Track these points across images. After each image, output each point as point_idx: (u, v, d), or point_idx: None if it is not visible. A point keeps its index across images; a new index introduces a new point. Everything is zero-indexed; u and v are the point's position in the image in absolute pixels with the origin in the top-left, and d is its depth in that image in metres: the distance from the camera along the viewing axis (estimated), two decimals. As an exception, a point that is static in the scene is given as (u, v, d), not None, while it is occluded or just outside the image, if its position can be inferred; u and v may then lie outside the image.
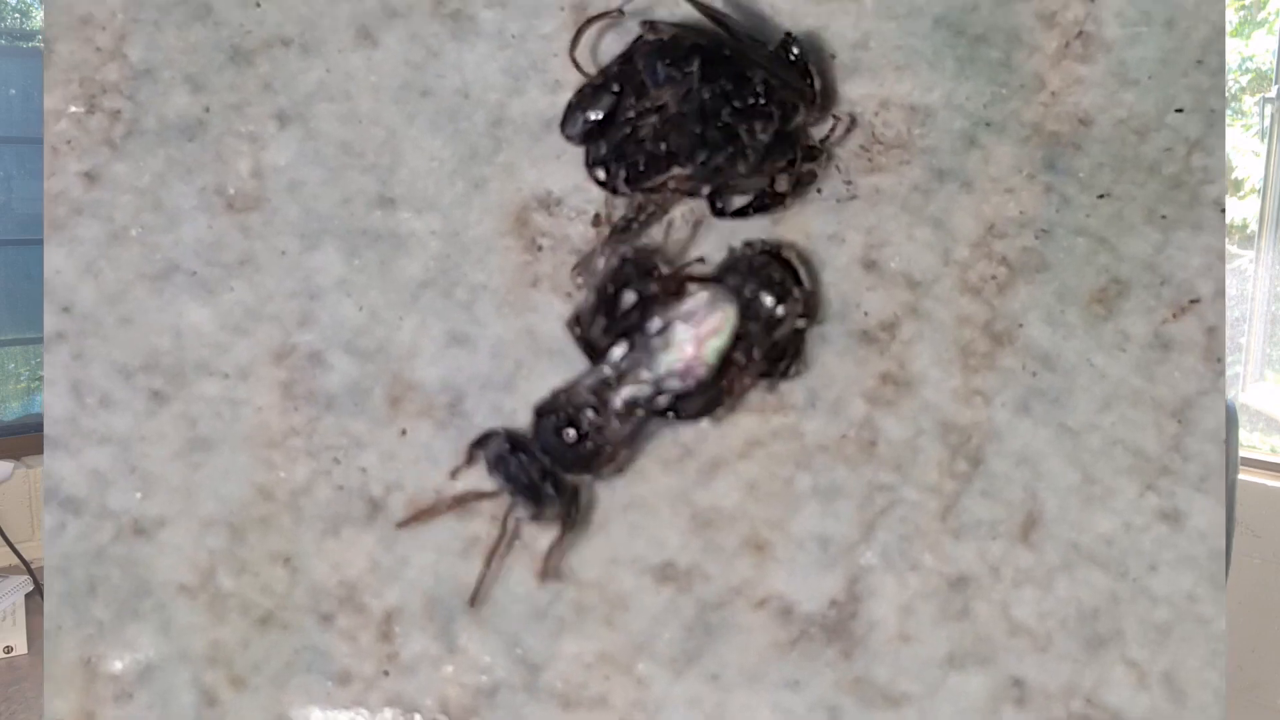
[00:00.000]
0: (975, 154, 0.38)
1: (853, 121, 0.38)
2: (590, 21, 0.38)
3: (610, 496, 0.38)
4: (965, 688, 0.38)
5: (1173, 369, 0.38)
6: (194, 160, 0.39)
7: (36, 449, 1.15)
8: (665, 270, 0.37)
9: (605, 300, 0.36)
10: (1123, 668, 0.38)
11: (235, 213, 0.39)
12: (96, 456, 0.39)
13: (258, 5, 0.39)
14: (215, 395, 0.39)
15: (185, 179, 0.39)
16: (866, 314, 0.38)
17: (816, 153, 0.38)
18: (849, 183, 0.38)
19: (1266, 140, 1.45)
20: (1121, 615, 0.38)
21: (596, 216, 0.38)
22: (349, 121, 0.39)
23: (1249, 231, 1.47)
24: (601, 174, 0.37)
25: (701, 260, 0.38)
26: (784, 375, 0.38)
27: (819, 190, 0.38)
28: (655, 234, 0.38)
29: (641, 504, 0.38)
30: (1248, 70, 1.50)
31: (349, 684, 0.38)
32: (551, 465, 0.36)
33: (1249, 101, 1.50)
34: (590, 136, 0.37)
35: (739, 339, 0.36)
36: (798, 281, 0.37)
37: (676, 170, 0.36)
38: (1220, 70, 0.38)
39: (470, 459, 0.38)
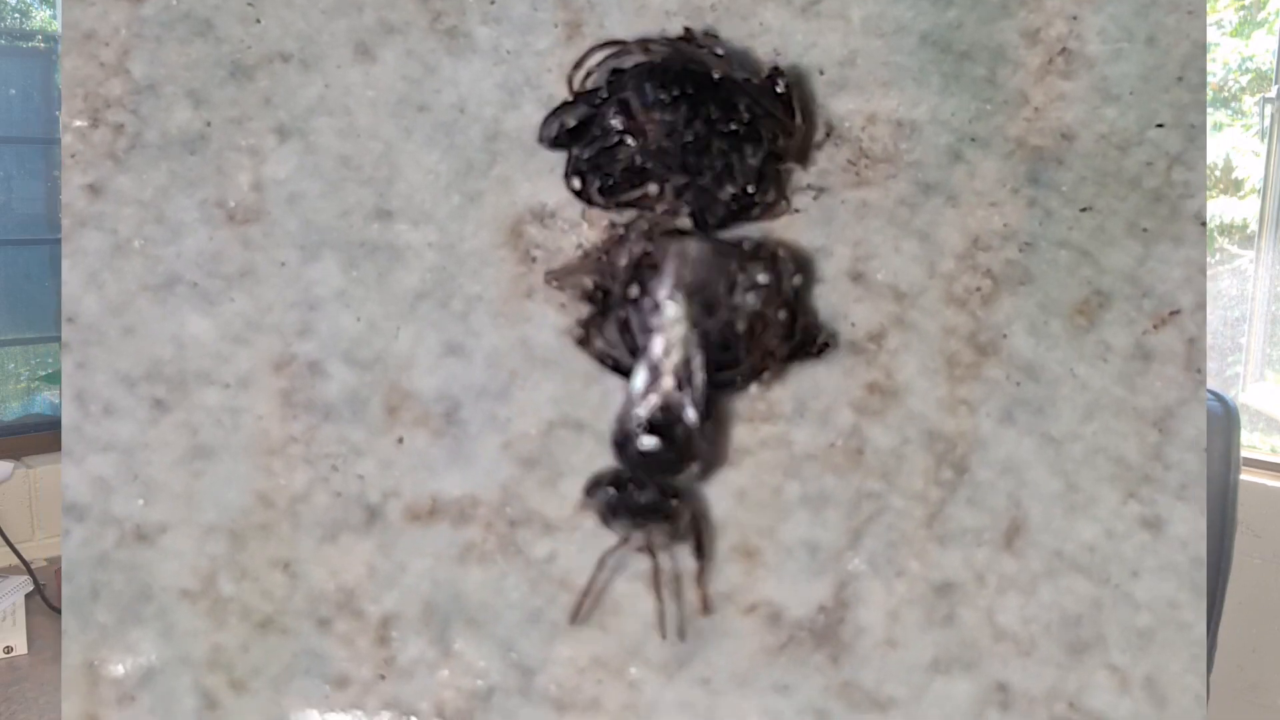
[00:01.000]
0: (960, 168, 0.39)
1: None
2: (594, 50, 0.38)
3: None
4: (950, 692, 0.39)
5: (1154, 379, 0.39)
6: (195, 173, 0.40)
7: (36, 449, 1.14)
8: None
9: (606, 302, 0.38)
10: (1105, 672, 0.39)
11: (236, 225, 0.39)
12: (100, 464, 0.39)
13: (258, 21, 0.40)
14: (216, 404, 0.39)
15: (187, 192, 0.39)
16: (854, 325, 0.39)
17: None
18: (823, 189, 0.39)
19: (1266, 140, 1.45)
20: (1104, 621, 0.39)
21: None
22: (347, 135, 0.39)
23: (1249, 231, 1.47)
24: (577, 183, 0.38)
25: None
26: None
27: (813, 198, 0.39)
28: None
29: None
30: (1248, 70, 1.50)
31: (346, 688, 0.39)
32: (656, 479, 0.37)
33: (1249, 101, 1.49)
34: (560, 142, 0.38)
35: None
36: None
37: (651, 188, 0.37)
38: (1201, 86, 0.39)
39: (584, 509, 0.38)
